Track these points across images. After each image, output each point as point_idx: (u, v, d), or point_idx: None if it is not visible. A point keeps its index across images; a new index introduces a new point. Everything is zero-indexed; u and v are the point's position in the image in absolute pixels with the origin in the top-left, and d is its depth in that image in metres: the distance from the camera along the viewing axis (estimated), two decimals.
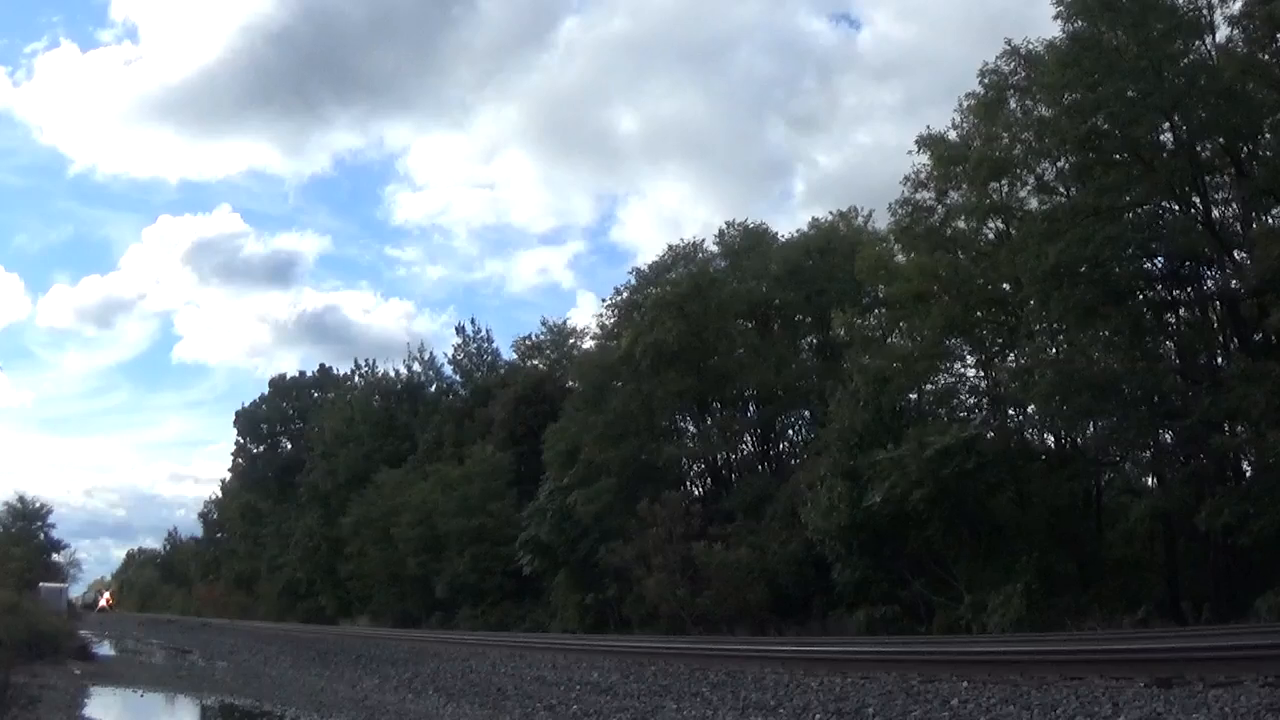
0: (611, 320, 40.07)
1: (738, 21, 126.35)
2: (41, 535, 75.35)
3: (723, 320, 37.14)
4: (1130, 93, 22.09)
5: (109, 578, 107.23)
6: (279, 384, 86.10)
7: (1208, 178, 22.98)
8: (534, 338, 55.14)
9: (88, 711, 15.60)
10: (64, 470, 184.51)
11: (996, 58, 25.07)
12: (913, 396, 28.14)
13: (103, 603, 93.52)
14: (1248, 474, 21.84)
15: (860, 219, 38.35)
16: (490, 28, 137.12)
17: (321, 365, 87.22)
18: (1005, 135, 25.07)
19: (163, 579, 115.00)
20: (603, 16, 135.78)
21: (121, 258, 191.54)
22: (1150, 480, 24.84)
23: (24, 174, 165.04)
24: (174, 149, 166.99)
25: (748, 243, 39.94)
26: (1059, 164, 24.23)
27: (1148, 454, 23.77)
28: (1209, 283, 23.51)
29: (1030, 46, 24.63)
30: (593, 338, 43.68)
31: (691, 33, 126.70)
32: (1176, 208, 23.30)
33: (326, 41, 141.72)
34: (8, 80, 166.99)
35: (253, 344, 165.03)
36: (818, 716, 10.60)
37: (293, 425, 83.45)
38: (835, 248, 36.11)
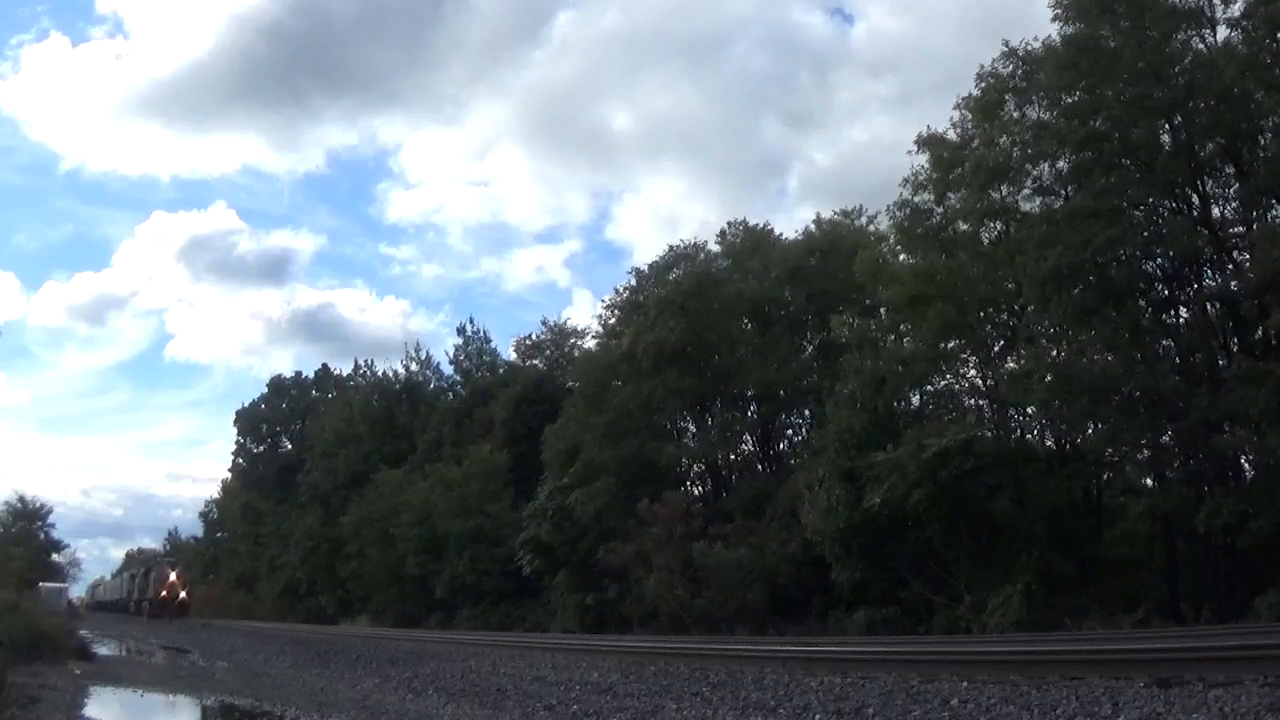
0: (612, 320, 40.14)
1: (732, 16, 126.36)
2: (41, 535, 75.54)
3: (725, 319, 37.17)
4: (1129, 94, 22.09)
5: (109, 577, 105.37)
6: (278, 384, 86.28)
7: (1208, 178, 22.97)
8: (534, 337, 55.29)
9: (88, 711, 15.60)
10: (62, 470, 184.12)
11: (994, 60, 25.12)
12: (913, 399, 28.13)
13: (165, 591, 60.21)
14: (1247, 474, 21.84)
15: (862, 218, 38.43)
16: (483, 23, 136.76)
17: (325, 365, 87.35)
18: (1003, 139, 25.07)
19: None
20: (596, 12, 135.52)
21: (114, 255, 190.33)
22: (1150, 480, 24.84)
23: (18, 172, 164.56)
24: (165, 145, 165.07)
25: (750, 242, 39.99)
26: (1058, 166, 24.22)
27: (1147, 454, 23.75)
28: (1209, 283, 23.51)
29: (1029, 47, 24.66)
30: (594, 337, 43.81)
31: (686, 28, 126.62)
32: (1176, 208, 23.30)
33: (317, 35, 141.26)
34: None
35: (246, 342, 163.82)
36: (818, 716, 10.60)
37: (292, 425, 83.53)
38: (837, 247, 36.12)
